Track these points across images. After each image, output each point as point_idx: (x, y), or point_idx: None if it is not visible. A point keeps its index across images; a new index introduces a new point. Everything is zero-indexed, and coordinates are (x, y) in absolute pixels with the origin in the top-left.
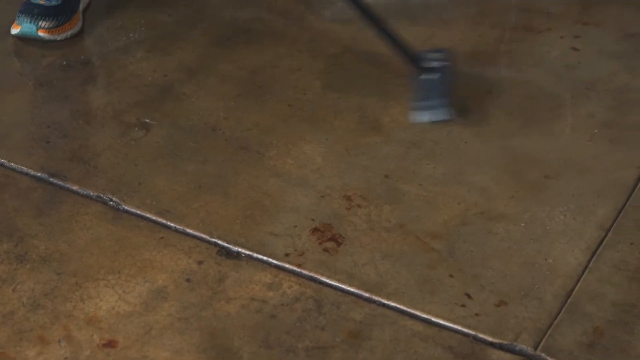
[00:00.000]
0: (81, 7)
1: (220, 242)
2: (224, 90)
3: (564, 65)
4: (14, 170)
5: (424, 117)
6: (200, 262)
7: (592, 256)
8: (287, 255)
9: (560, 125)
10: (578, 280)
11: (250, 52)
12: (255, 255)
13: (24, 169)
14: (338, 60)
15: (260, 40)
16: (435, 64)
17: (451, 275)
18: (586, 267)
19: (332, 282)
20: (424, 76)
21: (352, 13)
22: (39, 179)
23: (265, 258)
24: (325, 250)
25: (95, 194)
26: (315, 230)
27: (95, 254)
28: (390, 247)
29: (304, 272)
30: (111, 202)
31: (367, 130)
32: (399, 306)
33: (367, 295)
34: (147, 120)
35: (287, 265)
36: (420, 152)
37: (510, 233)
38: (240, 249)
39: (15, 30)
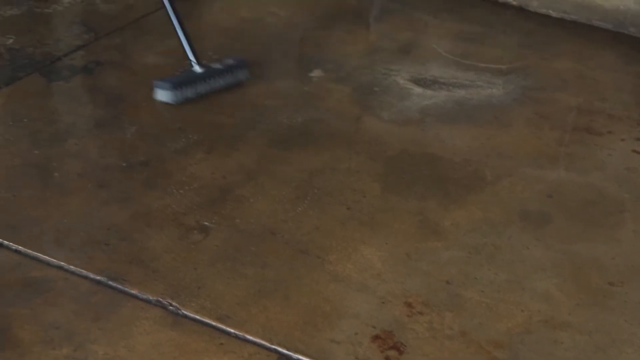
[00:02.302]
0: None
1: (280, 349)
2: (282, 192)
3: (625, 168)
4: (73, 273)
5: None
6: None
7: None
8: None
9: (624, 230)
10: None
11: (308, 154)
12: None
13: (84, 272)
14: (397, 162)
15: (318, 142)
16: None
17: None
18: None
19: None
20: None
21: (411, 114)
22: (98, 282)
23: None
24: (387, 358)
25: (155, 298)
26: (376, 337)
27: (155, 359)
28: (453, 355)
29: None
30: (171, 307)
31: (428, 234)
32: None
33: None
34: (206, 223)
35: None
36: (482, 257)
37: (576, 342)
38: (300, 357)
39: None
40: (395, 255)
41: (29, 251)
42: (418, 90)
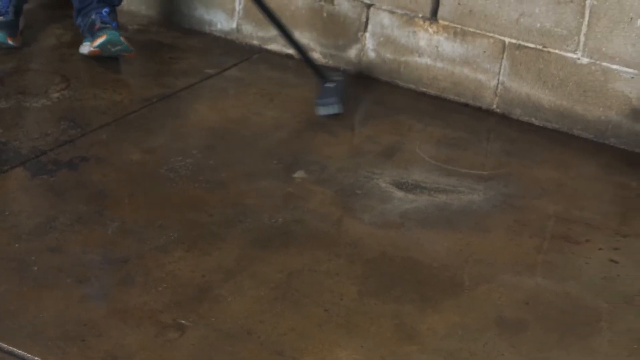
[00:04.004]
0: None
1: None
2: (261, 293)
3: (602, 277)
4: None
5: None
6: None
7: None
8: None
9: (599, 340)
10: None
11: (288, 255)
12: None
13: None
14: (376, 265)
15: (299, 243)
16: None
17: None
18: None
19: None
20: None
21: (392, 218)
22: None
23: None
24: None
25: None
26: None
27: None
28: None
29: None
30: None
31: (404, 338)
32: None
33: None
34: (183, 322)
35: None
36: None
37: None
38: None
39: None
40: (370, 359)
41: (4, 345)
42: (399, 194)
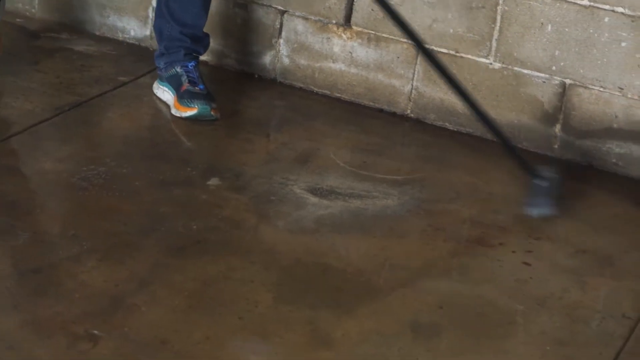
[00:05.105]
0: None
1: None
2: (175, 301)
3: (515, 280)
4: None
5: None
6: None
7: None
8: None
9: (512, 342)
10: None
11: (202, 263)
12: None
13: None
14: (291, 271)
15: (214, 251)
16: (545, 174)
17: None
18: None
19: None
20: (536, 181)
21: (306, 224)
22: None
23: None
24: None
25: None
26: None
27: None
28: None
29: None
30: None
31: (318, 344)
32: None
33: None
34: (95, 332)
35: None
36: None
37: None
38: None
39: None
40: None
41: None
42: (314, 200)
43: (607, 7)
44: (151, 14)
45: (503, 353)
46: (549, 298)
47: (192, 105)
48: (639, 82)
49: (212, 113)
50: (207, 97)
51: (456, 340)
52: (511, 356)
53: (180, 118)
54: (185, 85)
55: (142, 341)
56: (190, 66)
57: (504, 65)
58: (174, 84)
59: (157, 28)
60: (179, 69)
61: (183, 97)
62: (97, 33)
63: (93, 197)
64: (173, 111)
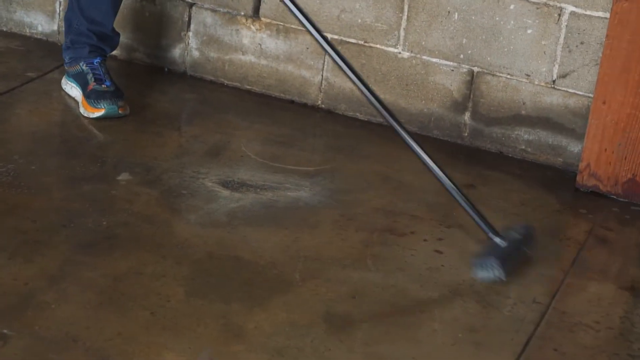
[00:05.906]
0: None
1: None
2: (86, 298)
3: (427, 268)
4: None
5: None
6: None
7: None
8: None
9: (425, 331)
10: None
11: (113, 259)
12: None
13: None
14: (203, 265)
15: (125, 247)
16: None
17: None
18: None
19: None
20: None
21: (218, 217)
22: None
23: None
24: None
25: None
26: None
27: None
28: None
29: None
30: None
31: (231, 337)
32: None
33: None
34: (5, 331)
35: None
36: None
37: None
38: None
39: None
40: None
41: None
42: (226, 193)
43: None
44: (58, 8)
45: (415, 342)
46: (460, 285)
47: (99, 106)
48: (545, 69)
49: (119, 112)
50: (114, 94)
51: (369, 330)
52: (424, 344)
53: (89, 118)
54: (92, 85)
55: (53, 339)
56: (96, 62)
57: (412, 55)
58: (81, 81)
59: (67, 19)
60: (84, 67)
61: (90, 96)
62: (4, 29)
63: (0, 194)
64: (81, 110)
